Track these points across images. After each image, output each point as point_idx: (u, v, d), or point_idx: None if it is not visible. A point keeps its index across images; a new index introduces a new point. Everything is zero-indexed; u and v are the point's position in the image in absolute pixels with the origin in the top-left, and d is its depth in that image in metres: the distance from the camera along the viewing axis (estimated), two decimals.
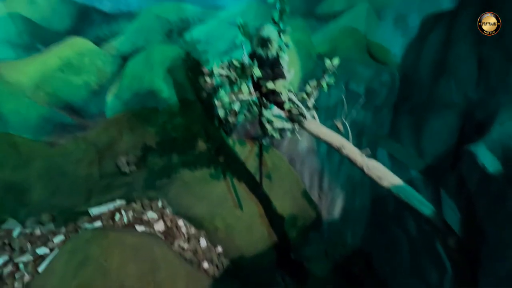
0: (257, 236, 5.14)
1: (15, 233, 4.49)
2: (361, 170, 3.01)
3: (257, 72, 3.02)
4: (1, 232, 4.47)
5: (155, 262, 3.98)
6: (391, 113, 5.66)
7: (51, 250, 4.21)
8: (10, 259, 4.12)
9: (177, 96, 5.53)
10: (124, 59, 5.62)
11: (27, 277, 3.89)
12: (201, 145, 5.54)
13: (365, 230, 5.65)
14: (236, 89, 3.04)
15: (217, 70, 2.92)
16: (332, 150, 3.26)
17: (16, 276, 3.90)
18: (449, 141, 4.38)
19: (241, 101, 3.09)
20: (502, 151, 2.72)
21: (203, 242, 4.87)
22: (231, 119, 3.21)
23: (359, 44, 6.21)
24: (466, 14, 4.30)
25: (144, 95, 5.44)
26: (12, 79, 4.66)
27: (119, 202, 4.94)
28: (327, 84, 3.33)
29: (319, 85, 3.33)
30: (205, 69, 3.00)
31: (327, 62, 3.21)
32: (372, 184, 3.06)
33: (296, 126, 3.38)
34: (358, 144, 5.54)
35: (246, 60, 3.26)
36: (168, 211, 5.09)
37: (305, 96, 3.36)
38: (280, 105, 3.36)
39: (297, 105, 3.21)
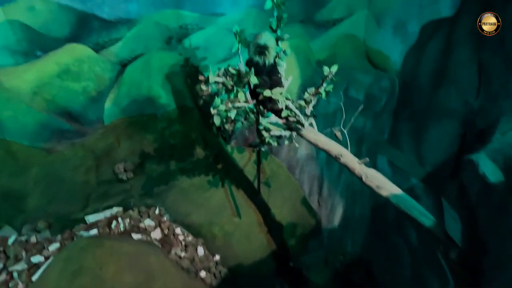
0: (255, 244, 5.08)
1: (11, 240, 4.45)
2: (359, 179, 2.95)
3: (253, 80, 2.99)
4: None
5: (151, 271, 3.92)
6: (391, 120, 5.62)
7: (46, 258, 4.16)
8: (5, 267, 4.07)
9: (175, 102, 5.51)
10: (123, 65, 5.61)
11: (21, 286, 3.84)
12: (199, 152, 5.51)
13: (365, 238, 5.57)
14: (232, 96, 3.01)
15: (213, 78, 2.90)
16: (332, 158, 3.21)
17: (10, 285, 3.86)
18: (449, 149, 4.32)
19: (237, 109, 3.06)
20: (504, 161, 2.67)
21: (200, 251, 4.81)
22: (227, 126, 3.19)
23: (359, 51, 6.19)
24: (466, 20, 4.27)
25: (142, 101, 5.42)
26: (10, 85, 4.66)
27: (116, 210, 4.89)
28: (326, 91, 3.30)
29: (317, 93, 3.30)
30: (201, 76, 2.99)
31: (325, 69, 3.18)
32: (372, 192, 3.01)
33: (294, 134, 3.35)
34: (358, 151, 5.56)
35: (243, 67, 3.25)
36: (165, 218, 5.04)
37: (303, 103, 3.33)
38: (278, 113, 3.33)
39: (295, 113, 3.18)
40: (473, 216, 2.90)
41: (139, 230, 4.69)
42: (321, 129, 3.37)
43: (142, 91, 5.41)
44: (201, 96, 3.24)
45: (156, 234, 4.72)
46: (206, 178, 5.32)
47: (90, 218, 4.72)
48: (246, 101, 3.20)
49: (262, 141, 3.42)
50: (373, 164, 5.34)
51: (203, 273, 4.56)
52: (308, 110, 3.34)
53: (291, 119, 3.28)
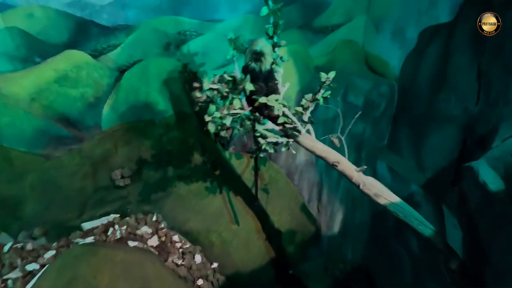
0: (254, 252, 5.01)
1: (6, 247, 4.41)
2: (357, 187, 2.90)
3: (249, 86, 2.97)
4: None
5: (147, 279, 3.86)
6: (391, 125, 5.58)
7: (42, 266, 4.12)
8: None
9: (173, 109, 5.49)
10: (121, 72, 5.62)
11: None
12: (197, 158, 5.47)
13: (366, 246, 5.49)
14: (227, 103, 2.98)
15: (207, 85, 2.87)
16: None
17: None
18: (449, 155, 4.26)
19: (233, 116, 3.03)
20: (504, 169, 2.62)
21: (198, 258, 4.75)
22: (224, 133, 3.16)
23: (357, 56, 6.18)
24: (465, 26, 4.25)
25: (140, 107, 5.41)
26: (8, 91, 4.65)
27: (113, 216, 4.86)
28: (323, 97, 3.27)
29: (315, 99, 3.26)
30: (196, 83, 2.97)
31: (323, 75, 3.16)
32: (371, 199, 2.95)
33: (291, 141, 3.31)
34: (357, 157, 5.50)
35: (238, 74, 3.22)
36: (163, 225, 4.99)
37: (300, 110, 3.29)
38: (274, 120, 3.29)
39: (291, 120, 3.14)
40: (474, 224, 2.84)
41: (135, 237, 4.65)
42: (320, 136, 3.32)
43: (140, 97, 5.40)
44: (197, 102, 3.22)
45: (153, 241, 4.67)
46: (204, 184, 5.27)
47: (86, 226, 4.68)
48: (242, 108, 3.17)
49: (259, 147, 3.38)
50: (372, 170, 5.28)
51: (200, 281, 4.50)
52: (306, 117, 3.30)
53: (288, 125, 3.25)
